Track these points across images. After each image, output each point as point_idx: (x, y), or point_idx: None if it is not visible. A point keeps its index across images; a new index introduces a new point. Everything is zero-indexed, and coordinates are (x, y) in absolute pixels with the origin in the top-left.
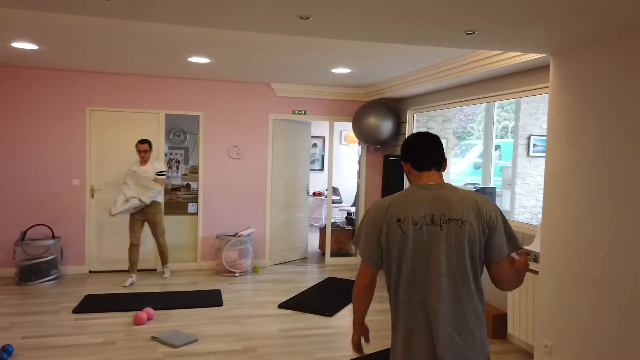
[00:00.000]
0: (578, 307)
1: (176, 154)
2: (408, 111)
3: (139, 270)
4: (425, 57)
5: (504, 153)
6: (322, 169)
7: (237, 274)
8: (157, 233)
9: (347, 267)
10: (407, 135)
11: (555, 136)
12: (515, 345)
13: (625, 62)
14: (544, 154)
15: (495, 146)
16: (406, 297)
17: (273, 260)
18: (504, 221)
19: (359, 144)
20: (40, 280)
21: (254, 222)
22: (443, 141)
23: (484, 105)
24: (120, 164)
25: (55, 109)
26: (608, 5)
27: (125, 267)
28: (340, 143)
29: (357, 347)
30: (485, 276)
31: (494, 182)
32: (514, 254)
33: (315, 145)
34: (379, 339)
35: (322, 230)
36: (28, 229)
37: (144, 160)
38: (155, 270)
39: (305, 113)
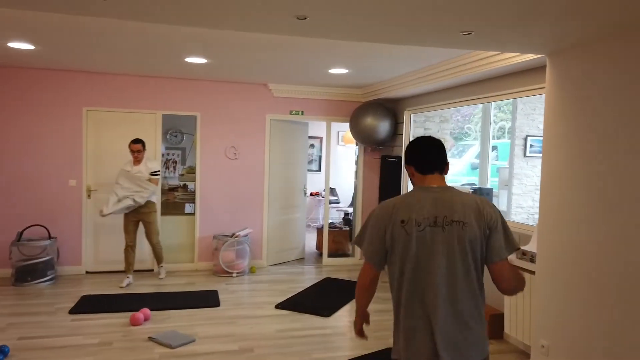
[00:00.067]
0: (575, 307)
1: (173, 154)
2: (405, 112)
3: (135, 271)
4: (422, 57)
5: (500, 154)
6: (319, 170)
7: (234, 275)
8: (151, 233)
9: (344, 268)
10: (404, 136)
11: (551, 136)
12: (512, 345)
13: (620, 62)
14: (540, 155)
15: (492, 147)
16: (408, 296)
17: (270, 260)
18: (503, 222)
19: (356, 145)
20: (36, 281)
21: (251, 223)
22: None
23: (480, 105)
24: (117, 164)
25: (52, 109)
26: (603, 6)
27: (122, 267)
28: (338, 143)
29: (359, 332)
30: (485, 276)
31: (491, 182)
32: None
33: (312, 145)
34: (379, 339)
35: (320, 230)
36: (24, 230)
37: (137, 160)
38: (151, 270)
39: (302, 113)
